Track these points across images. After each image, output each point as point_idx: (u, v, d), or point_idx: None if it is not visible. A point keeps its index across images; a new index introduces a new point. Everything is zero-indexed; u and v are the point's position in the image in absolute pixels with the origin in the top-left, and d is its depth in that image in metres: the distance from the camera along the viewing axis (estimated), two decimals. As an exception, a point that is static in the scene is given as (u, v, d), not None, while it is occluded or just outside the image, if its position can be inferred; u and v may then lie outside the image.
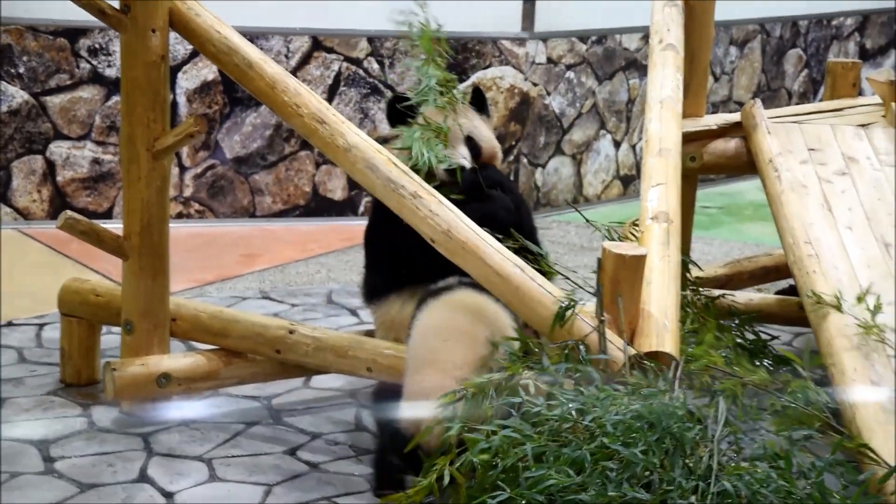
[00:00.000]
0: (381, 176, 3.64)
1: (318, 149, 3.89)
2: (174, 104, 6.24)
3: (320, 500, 3.64)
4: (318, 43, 6.50)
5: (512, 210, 3.97)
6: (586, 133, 7.18)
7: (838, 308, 3.51)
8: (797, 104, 7.89)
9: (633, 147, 7.43)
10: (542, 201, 6.99)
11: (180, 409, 4.12)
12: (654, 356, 3.18)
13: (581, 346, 3.22)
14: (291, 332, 4.06)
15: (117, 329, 4.18)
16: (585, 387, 3.02)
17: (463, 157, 3.96)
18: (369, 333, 4.16)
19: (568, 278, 3.61)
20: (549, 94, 6.94)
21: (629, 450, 2.78)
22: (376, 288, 4.07)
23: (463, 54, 6.66)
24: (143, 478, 3.75)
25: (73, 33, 6.16)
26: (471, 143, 4.02)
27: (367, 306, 4.18)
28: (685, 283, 3.85)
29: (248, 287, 5.53)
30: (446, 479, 3.07)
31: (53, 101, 6.20)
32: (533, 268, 3.48)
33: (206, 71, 6.34)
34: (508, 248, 3.52)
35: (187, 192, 6.43)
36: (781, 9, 8.10)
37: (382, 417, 3.65)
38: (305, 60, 6.49)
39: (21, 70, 6.12)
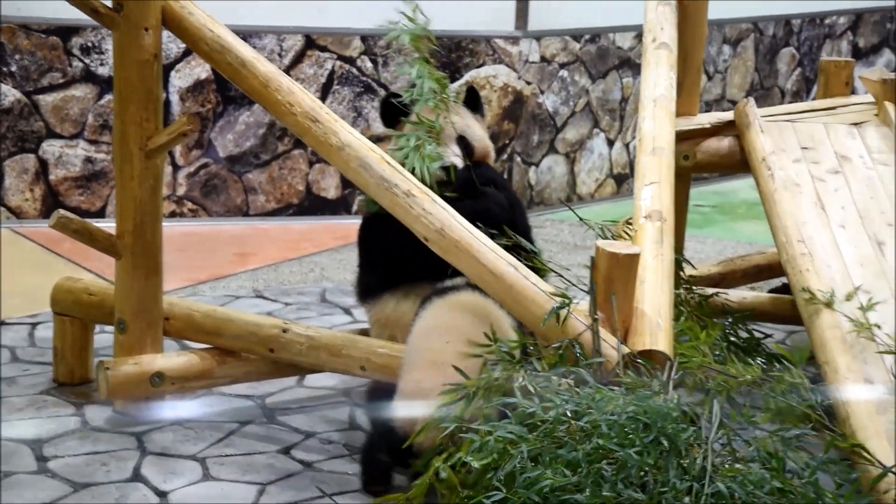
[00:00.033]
0: (375, 174, 3.64)
1: (312, 147, 3.88)
2: (167, 103, 6.23)
3: (314, 499, 3.64)
4: (312, 41, 6.50)
5: (506, 207, 3.97)
6: (580, 132, 7.17)
7: (831, 306, 3.52)
8: (790, 103, 7.90)
9: (627, 146, 7.43)
10: (536, 200, 6.99)
11: (174, 408, 4.11)
12: (648, 355, 3.18)
13: (576, 346, 3.21)
14: (285, 330, 4.05)
15: (110, 328, 4.17)
16: (581, 388, 3.02)
17: (455, 156, 3.96)
18: (363, 332, 4.16)
19: (562, 276, 3.61)
20: (542, 92, 6.94)
21: (624, 450, 2.78)
22: (370, 286, 4.07)
23: (456, 53, 6.66)
24: (136, 477, 3.75)
25: (66, 32, 6.15)
26: (463, 142, 4.03)
27: (361, 305, 4.18)
28: (679, 281, 3.85)
29: (241, 286, 5.53)
30: (443, 477, 3.07)
31: (46, 100, 6.19)
32: (526, 266, 3.48)
33: (199, 69, 6.34)
34: (502, 245, 3.52)
35: (180, 191, 6.42)
36: (774, 7, 8.10)
37: (375, 415, 3.65)
38: (299, 59, 6.48)
39: (13, 68, 6.11)
